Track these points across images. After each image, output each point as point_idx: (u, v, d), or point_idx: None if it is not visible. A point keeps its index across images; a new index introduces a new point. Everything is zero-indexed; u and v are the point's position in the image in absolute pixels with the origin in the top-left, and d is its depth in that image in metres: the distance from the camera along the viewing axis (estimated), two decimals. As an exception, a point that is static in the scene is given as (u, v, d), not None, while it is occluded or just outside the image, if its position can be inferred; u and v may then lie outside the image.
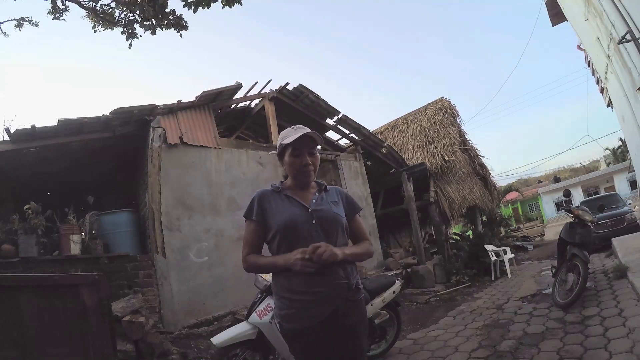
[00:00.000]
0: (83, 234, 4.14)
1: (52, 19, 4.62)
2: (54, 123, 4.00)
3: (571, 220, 4.60)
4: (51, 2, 4.49)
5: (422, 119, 9.95)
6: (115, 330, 2.64)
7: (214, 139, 5.29)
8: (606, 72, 5.60)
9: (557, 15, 6.80)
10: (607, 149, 28.18)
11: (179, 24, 4.58)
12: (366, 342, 1.58)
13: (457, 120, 9.74)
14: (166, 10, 4.49)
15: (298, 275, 1.40)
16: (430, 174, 8.50)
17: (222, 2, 4.28)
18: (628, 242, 6.08)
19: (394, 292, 3.51)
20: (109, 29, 4.84)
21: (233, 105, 6.25)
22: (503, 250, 7.82)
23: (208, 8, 4.26)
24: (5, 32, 5.09)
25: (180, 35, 4.66)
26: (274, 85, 6.27)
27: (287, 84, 6.29)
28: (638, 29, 3.37)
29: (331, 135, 7.77)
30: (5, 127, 4.08)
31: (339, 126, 7.31)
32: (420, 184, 8.29)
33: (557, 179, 28.41)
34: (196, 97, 5.11)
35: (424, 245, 8.36)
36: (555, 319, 3.69)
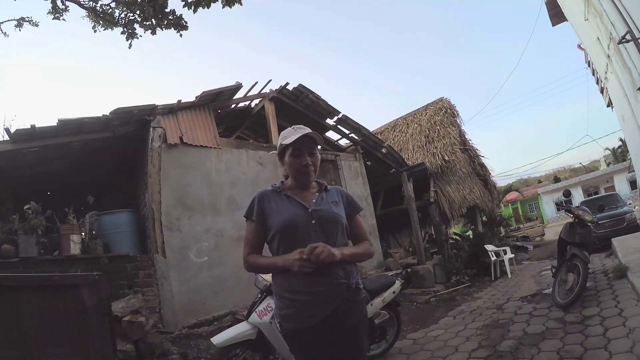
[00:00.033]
0: (83, 234, 4.14)
1: (52, 19, 4.62)
2: (54, 123, 4.00)
3: (571, 220, 4.60)
4: (51, 2, 4.49)
5: (422, 119, 9.95)
6: (115, 330, 2.64)
7: (214, 139, 5.29)
8: (606, 72, 5.60)
9: (557, 15, 6.80)
10: (607, 149, 28.23)
11: (179, 24, 4.58)
12: (367, 342, 1.58)
13: (457, 120, 9.75)
14: (166, 10, 4.49)
15: (297, 275, 1.40)
16: (430, 174, 8.50)
17: (222, 2, 4.28)
18: (628, 242, 6.08)
19: (394, 292, 3.52)
20: (109, 29, 4.84)
21: (233, 105, 6.25)
22: (503, 250, 7.82)
23: (208, 8, 4.26)
24: (5, 32, 5.10)
25: (180, 35, 4.66)
26: (274, 85, 6.29)
27: (287, 84, 6.30)
28: (638, 29, 3.37)
29: (331, 135, 7.78)
30: (5, 127, 4.09)
31: (339, 126, 7.32)
32: (420, 184, 8.29)
33: (557, 179, 28.41)
34: (196, 97, 5.11)
35: (424, 245, 8.36)
36: (555, 319, 3.69)
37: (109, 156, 5.21)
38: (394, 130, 10.48)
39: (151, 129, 4.66)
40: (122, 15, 4.71)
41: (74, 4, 4.62)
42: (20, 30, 5.05)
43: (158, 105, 4.63)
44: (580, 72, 45.27)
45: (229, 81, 28.57)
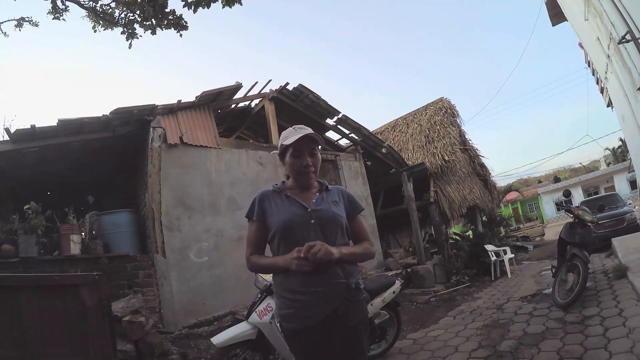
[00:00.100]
0: (83, 234, 4.14)
1: (52, 19, 4.62)
2: (54, 123, 4.00)
3: (571, 220, 4.60)
4: (51, 2, 4.49)
5: (422, 119, 9.95)
6: (115, 330, 2.64)
7: (214, 139, 5.29)
8: (606, 72, 5.60)
9: (557, 15, 6.80)
10: (607, 149, 28.24)
11: (179, 24, 4.58)
12: (367, 342, 1.57)
13: (457, 120, 9.75)
14: (166, 10, 4.49)
15: (297, 275, 1.40)
16: (430, 174, 8.50)
17: (222, 2, 4.28)
18: (628, 242, 6.08)
19: (394, 292, 3.52)
20: (109, 29, 4.84)
21: (233, 105, 6.25)
22: (503, 250, 7.82)
23: (208, 8, 4.26)
24: (5, 32, 5.10)
25: (180, 35, 4.66)
26: (274, 85, 6.29)
27: (287, 84, 6.30)
28: (638, 29, 3.37)
29: (331, 135, 7.78)
30: (5, 127, 4.09)
31: (339, 126, 7.31)
32: (420, 184, 8.29)
33: (557, 179, 28.41)
34: (196, 97, 5.11)
35: (424, 245, 8.36)
36: (555, 319, 3.69)
37: (109, 156, 5.21)
38: (394, 130, 10.48)
39: (151, 129, 4.66)
40: (122, 15, 4.71)
41: (74, 4, 4.62)
42: (20, 30, 5.06)
43: (158, 105, 4.63)
44: (580, 72, 45.32)
45: (229, 81, 28.60)
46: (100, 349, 2.32)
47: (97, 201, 4.56)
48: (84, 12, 4.77)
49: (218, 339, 2.77)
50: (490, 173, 10.41)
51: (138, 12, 4.53)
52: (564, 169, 38.19)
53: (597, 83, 8.19)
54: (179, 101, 4.95)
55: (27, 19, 5.02)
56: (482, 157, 10.18)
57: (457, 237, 9.72)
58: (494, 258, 7.42)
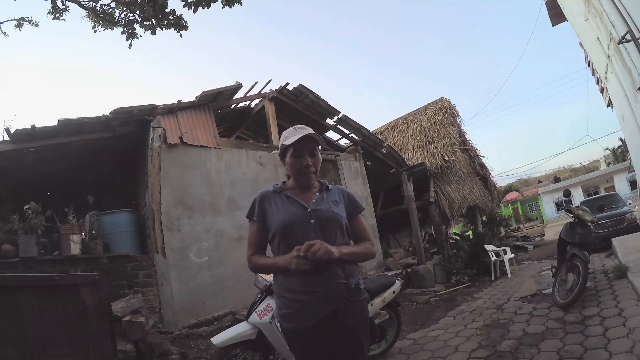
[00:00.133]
0: (83, 234, 4.13)
1: (52, 19, 4.62)
2: (54, 123, 4.00)
3: (571, 220, 4.60)
4: (51, 2, 4.49)
5: (422, 119, 9.95)
6: (115, 330, 2.64)
7: (214, 139, 5.29)
8: (606, 72, 5.60)
9: (557, 15, 6.80)
10: (607, 149, 28.25)
11: (179, 24, 4.58)
12: (367, 342, 1.57)
13: (457, 120, 9.74)
14: (166, 10, 4.49)
15: (297, 275, 1.40)
16: (430, 174, 8.50)
17: (222, 2, 4.28)
18: (628, 242, 6.08)
19: (394, 292, 3.52)
20: (109, 29, 4.85)
21: (233, 105, 6.25)
22: (503, 250, 7.82)
23: (208, 8, 4.26)
24: (5, 32, 5.10)
25: (180, 35, 4.66)
26: (274, 85, 6.29)
27: (287, 84, 6.30)
28: (638, 29, 3.37)
29: (331, 135, 7.78)
30: (5, 127, 4.09)
31: (339, 126, 7.31)
32: (420, 184, 8.29)
33: (557, 179, 28.41)
34: (196, 97, 5.11)
35: (424, 245, 8.36)
36: (555, 319, 3.69)
37: (109, 156, 5.21)
38: (394, 130, 10.48)
39: (151, 129, 4.66)
40: (122, 15, 4.71)
41: (74, 4, 4.62)
42: (20, 30, 5.06)
43: (158, 105, 4.63)
44: (580, 72, 45.33)
45: (229, 81, 28.60)
46: (100, 349, 2.32)
47: (97, 201, 4.56)
48: (84, 12, 4.77)
49: (218, 339, 2.77)
50: (490, 173, 10.42)
51: (138, 12, 4.53)
52: (564, 169, 38.22)
53: (597, 83, 8.19)
54: (179, 101, 4.95)
55: (27, 19, 5.02)
56: (482, 157, 10.19)
57: (457, 237, 9.72)
58: (494, 258, 7.42)
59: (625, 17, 3.54)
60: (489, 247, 7.66)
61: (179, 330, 4.08)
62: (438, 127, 9.40)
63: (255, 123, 7.25)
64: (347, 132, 7.51)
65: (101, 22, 4.79)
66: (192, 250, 4.61)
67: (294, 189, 1.59)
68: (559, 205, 17.81)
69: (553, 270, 4.65)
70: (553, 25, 7.26)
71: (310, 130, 1.52)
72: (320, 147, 1.58)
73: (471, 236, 9.60)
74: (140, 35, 4.71)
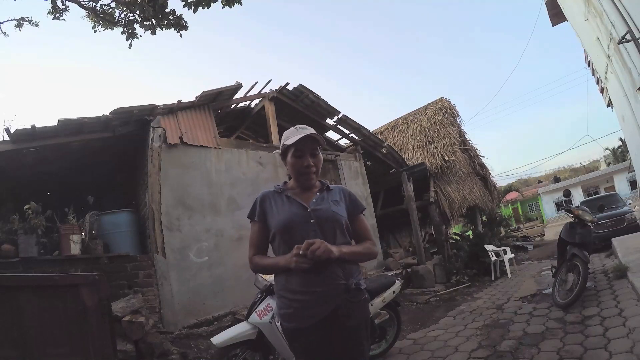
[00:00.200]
0: (83, 234, 4.13)
1: (52, 19, 4.62)
2: (54, 123, 4.00)
3: (571, 220, 4.60)
4: (51, 2, 4.49)
5: (422, 119, 9.95)
6: (115, 330, 2.64)
7: (214, 139, 5.29)
8: (606, 72, 5.60)
9: (557, 15, 6.80)
10: (607, 149, 28.26)
11: (179, 24, 4.58)
12: (368, 343, 1.57)
13: (457, 120, 9.74)
14: (166, 10, 4.49)
15: (298, 274, 1.40)
16: (430, 174, 8.50)
17: (222, 2, 4.28)
18: (628, 242, 6.08)
19: (394, 292, 3.52)
20: (109, 29, 4.85)
21: (233, 105, 6.25)
22: (503, 250, 7.82)
23: (208, 8, 4.26)
24: (5, 32, 5.10)
25: (180, 35, 4.66)
26: (274, 85, 6.29)
27: (287, 84, 6.30)
28: (638, 29, 3.37)
29: (331, 135, 7.78)
30: (5, 127, 4.09)
31: (339, 126, 7.31)
32: (420, 184, 8.29)
33: (557, 179, 28.42)
34: (196, 97, 5.11)
35: (424, 245, 8.36)
36: (555, 319, 3.69)
37: (109, 156, 5.21)
38: (394, 130, 10.48)
39: (151, 129, 4.66)
40: (122, 15, 4.71)
41: (74, 4, 4.62)
42: (20, 30, 5.06)
43: (158, 105, 4.63)
44: (580, 72, 45.36)
45: (229, 81, 28.60)
46: (100, 349, 2.32)
47: (97, 201, 4.56)
48: (84, 12, 4.77)
49: (218, 339, 2.77)
50: (490, 173, 10.41)
51: (138, 12, 4.53)
52: (564, 169, 38.23)
53: (597, 83, 8.20)
54: (179, 101, 4.95)
55: (27, 19, 5.02)
56: (482, 157, 10.19)
57: (457, 237, 9.71)
58: (494, 258, 7.42)
59: (625, 17, 3.54)
60: (489, 247, 7.66)
61: (179, 330, 4.08)
62: (438, 127, 9.41)
63: (255, 123, 7.25)
64: (347, 132, 7.51)
65: (101, 22, 4.79)
66: (192, 250, 4.61)
67: (295, 189, 1.59)
68: (559, 205, 17.81)
69: (553, 270, 4.65)
70: (553, 25, 7.26)
71: (311, 130, 1.51)
72: (321, 147, 1.58)
73: (471, 236, 9.60)
74: (140, 35, 4.71)
